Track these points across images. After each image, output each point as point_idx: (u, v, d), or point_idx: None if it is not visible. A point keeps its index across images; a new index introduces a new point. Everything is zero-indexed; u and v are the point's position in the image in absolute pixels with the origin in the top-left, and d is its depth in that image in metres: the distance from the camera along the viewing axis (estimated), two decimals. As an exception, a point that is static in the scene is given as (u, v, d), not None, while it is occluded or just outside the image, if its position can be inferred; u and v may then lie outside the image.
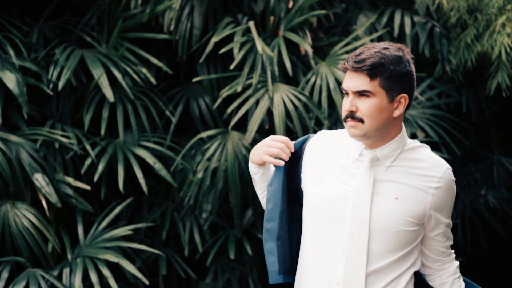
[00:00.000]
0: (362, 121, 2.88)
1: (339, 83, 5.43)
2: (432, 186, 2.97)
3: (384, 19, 5.98)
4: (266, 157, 3.06)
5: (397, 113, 2.92)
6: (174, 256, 5.59)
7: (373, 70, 2.84)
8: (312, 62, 5.49)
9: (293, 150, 3.10)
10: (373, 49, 2.88)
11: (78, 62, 5.33)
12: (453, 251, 3.14)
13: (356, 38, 5.68)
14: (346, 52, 5.55)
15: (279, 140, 3.08)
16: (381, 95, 2.87)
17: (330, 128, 5.55)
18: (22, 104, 5.11)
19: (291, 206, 3.17)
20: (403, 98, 2.92)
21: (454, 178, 3.03)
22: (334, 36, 5.90)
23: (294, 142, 3.14)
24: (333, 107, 5.61)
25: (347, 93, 2.92)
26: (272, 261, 3.11)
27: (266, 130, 5.51)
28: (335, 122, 5.65)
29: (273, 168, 3.16)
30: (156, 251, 5.32)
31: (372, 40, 5.74)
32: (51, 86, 5.31)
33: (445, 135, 5.90)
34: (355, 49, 5.59)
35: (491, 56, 5.57)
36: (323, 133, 3.13)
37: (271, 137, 3.09)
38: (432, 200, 2.98)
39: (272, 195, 3.10)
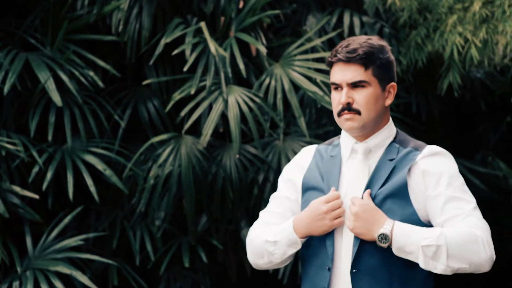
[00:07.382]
0: (359, 112, 2.85)
1: (294, 84, 5.31)
2: (414, 162, 2.85)
3: (334, 19, 5.90)
4: (336, 222, 2.87)
5: (388, 102, 2.92)
6: (124, 266, 5.40)
7: (367, 59, 2.84)
8: (266, 64, 5.36)
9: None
10: (358, 40, 2.87)
11: (23, 65, 5.11)
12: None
13: (308, 40, 5.57)
14: (301, 53, 5.44)
15: (336, 200, 2.87)
16: (375, 84, 2.87)
17: (285, 130, 5.45)
18: (-35, 110, 4.88)
19: None
20: (392, 87, 2.93)
21: (442, 150, 2.89)
22: (283, 37, 5.79)
23: None
24: (287, 109, 5.50)
25: (336, 88, 2.89)
26: None
27: (220, 133, 5.37)
28: (288, 124, 5.54)
29: None
30: (107, 261, 5.13)
31: (323, 42, 5.66)
32: (-5, 90, 5.08)
33: (396, 136, 5.85)
34: (307, 51, 5.54)
35: (442, 56, 5.55)
36: (307, 150, 3.05)
37: (322, 200, 2.88)
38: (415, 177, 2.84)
39: None
